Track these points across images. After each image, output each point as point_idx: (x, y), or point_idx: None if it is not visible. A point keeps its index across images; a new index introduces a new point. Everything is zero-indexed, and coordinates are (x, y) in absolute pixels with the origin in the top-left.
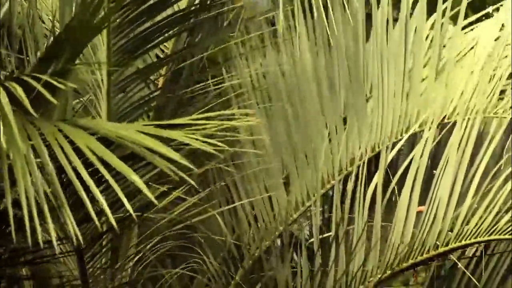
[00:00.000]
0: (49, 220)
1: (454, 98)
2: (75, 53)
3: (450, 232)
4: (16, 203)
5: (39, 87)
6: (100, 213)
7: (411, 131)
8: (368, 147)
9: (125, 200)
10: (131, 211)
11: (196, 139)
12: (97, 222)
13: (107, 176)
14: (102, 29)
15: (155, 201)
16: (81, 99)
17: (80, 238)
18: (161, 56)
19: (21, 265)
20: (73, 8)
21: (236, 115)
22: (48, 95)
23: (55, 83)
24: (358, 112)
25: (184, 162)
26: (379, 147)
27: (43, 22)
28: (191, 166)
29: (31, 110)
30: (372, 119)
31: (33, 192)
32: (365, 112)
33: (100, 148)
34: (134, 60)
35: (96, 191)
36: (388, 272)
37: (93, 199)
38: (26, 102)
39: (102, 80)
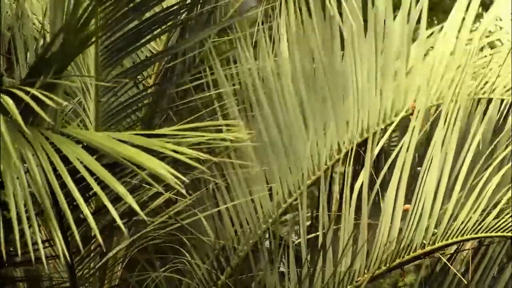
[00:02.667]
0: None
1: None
2: (64, 65)
3: (436, 230)
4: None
5: (28, 100)
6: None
7: (387, 123)
8: (346, 140)
9: (111, 208)
10: (117, 217)
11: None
12: (76, 234)
13: (94, 184)
14: (91, 44)
15: (139, 211)
16: (71, 101)
17: (67, 253)
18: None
19: (12, 267)
20: (65, 10)
21: (221, 125)
22: (37, 108)
23: (43, 98)
24: (335, 108)
25: (169, 170)
26: (360, 138)
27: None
28: (175, 172)
29: (22, 124)
30: (349, 113)
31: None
32: (342, 107)
33: (86, 157)
34: (122, 59)
35: (80, 200)
36: (376, 272)
37: (86, 200)
38: (18, 115)
39: (90, 81)
